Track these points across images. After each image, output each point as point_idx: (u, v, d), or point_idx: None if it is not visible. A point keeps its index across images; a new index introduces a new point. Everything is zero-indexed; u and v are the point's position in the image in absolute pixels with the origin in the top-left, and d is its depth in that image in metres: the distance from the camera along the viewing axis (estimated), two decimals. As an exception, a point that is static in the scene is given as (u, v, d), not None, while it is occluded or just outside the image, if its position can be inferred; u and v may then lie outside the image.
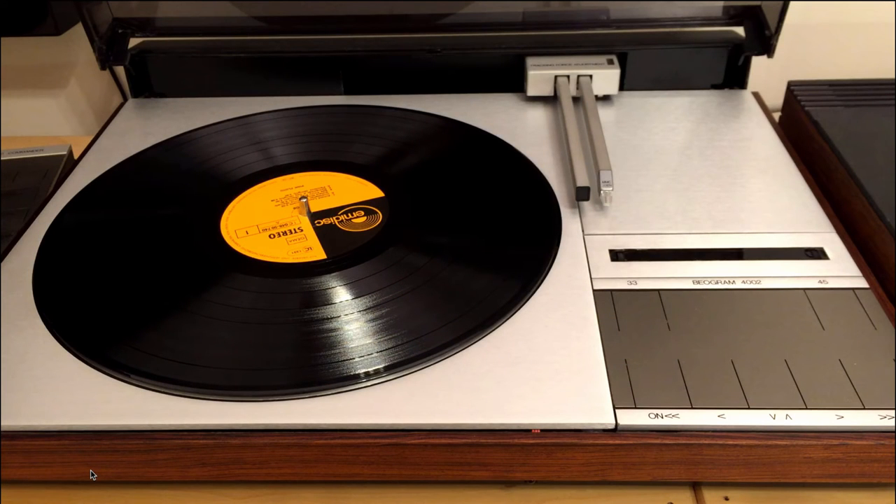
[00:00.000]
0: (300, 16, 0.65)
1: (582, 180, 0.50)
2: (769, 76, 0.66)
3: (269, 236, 0.48)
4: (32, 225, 0.51)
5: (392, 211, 0.50)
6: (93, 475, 0.38)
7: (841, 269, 0.44)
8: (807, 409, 0.36)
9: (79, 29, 0.62)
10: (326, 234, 0.48)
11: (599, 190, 0.50)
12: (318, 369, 0.38)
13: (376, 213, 0.50)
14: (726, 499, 0.38)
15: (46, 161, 0.63)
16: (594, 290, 0.43)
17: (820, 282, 0.43)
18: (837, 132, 0.55)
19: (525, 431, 0.36)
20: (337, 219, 0.49)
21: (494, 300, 0.42)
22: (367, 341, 0.40)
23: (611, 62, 0.63)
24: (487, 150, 0.57)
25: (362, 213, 0.50)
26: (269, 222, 0.49)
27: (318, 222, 0.49)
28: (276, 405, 0.37)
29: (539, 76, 0.62)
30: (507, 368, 0.38)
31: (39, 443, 0.37)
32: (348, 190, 0.52)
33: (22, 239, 0.50)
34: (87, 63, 0.77)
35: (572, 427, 0.36)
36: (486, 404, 0.37)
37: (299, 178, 0.54)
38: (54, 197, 0.54)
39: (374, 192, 0.52)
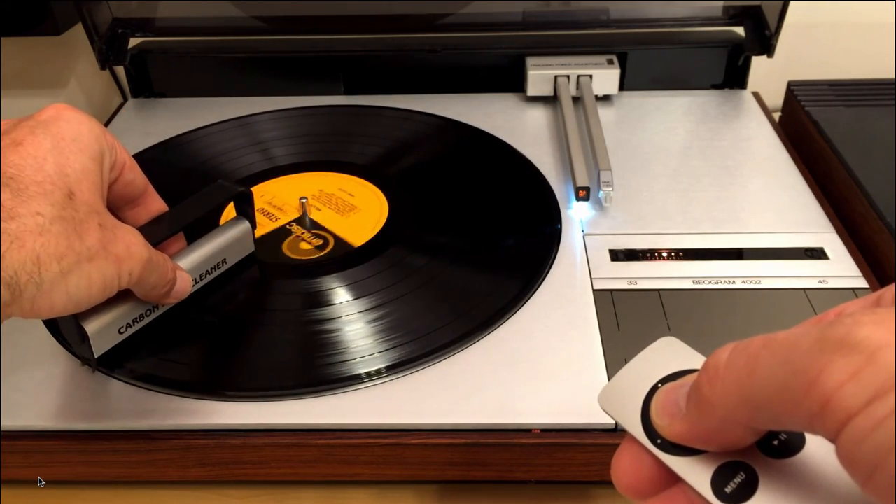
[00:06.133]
0: (300, 16, 0.65)
1: (582, 180, 0.50)
2: (769, 76, 0.66)
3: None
4: (32, 225, 0.51)
5: (392, 211, 0.50)
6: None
7: (841, 269, 0.44)
8: (807, 409, 0.36)
9: (79, 29, 0.62)
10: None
11: (599, 190, 0.50)
12: (319, 369, 0.38)
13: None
14: (726, 499, 0.37)
15: (46, 161, 0.63)
16: (594, 290, 0.43)
17: (820, 282, 0.43)
18: (837, 132, 0.55)
19: (525, 431, 0.36)
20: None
21: (494, 300, 0.42)
22: (368, 341, 0.40)
23: (611, 62, 0.63)
24: (487, 150, 0.57)
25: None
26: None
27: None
28: (276, 405, 0.37)
29: (539, 76, 0.62)
30: (507, 368, 0.38)
31: (39, 443, 0.37)
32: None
33: (22, 239, 0.49)
34: (87, 63, 0.77)
35: (572, 427, 0.36)
36: (486, 404, 0.37)
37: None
38: (54, 197, 0.54)
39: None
